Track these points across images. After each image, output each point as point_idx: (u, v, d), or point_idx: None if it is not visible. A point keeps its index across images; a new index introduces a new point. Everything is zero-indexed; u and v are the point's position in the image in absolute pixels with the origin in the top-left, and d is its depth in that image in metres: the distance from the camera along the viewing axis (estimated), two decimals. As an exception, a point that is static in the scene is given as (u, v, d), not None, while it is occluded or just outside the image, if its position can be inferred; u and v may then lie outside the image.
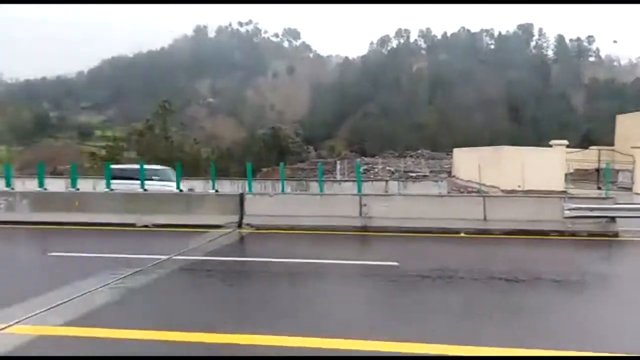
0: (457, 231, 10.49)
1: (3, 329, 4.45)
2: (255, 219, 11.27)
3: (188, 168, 29.31)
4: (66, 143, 77.05)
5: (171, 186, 15.52)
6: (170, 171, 17.93)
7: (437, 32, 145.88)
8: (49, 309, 5.05)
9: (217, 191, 14.57)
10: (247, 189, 14.38)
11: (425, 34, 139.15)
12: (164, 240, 9.93)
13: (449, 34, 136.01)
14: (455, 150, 36.86)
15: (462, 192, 23.24)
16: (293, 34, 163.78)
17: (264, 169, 40.55)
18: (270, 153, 53.05)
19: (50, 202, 12.14)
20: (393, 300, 5.86)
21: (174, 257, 7.83)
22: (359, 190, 13.20)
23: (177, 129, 42.44)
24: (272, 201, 11.76)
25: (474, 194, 19.37)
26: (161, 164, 20.64)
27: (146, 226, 11.21)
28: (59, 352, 4.09)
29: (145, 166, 15.47)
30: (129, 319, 4.92)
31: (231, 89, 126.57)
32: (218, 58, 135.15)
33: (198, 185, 20.91)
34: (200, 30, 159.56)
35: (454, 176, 33.98)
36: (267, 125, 70.39)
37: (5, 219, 11.72)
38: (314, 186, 15.18)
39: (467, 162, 31.40)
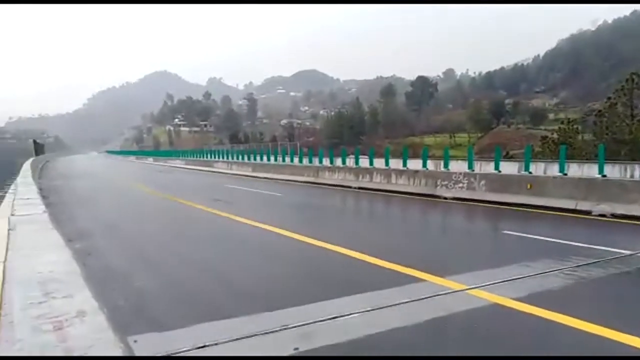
0: None
1: (465, 290, 5.03)
2: None
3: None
4: (518, 128, 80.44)
5: None
6: None
7: None
8: (503, 281, 5.31)
9: None
10: None
11: None
12: (627, 234, 8.57)
13: None
14: None
15: None
16: None
17: None
18: None
19: (504, 183, 12.90)
20: None
21: (640, 255, 6.60)
22: None
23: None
24: None
25: None
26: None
27: (603, 215, 10.04)
28: (511, 322, 4.22)
29: None
30: (577, 308, 4.47)
31: None
32: None
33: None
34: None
35: None
36: None
37: (466, 196, 13.42)
38: None
39: None
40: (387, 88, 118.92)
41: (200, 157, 42.43)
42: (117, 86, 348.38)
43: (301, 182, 21.04)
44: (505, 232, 8.92)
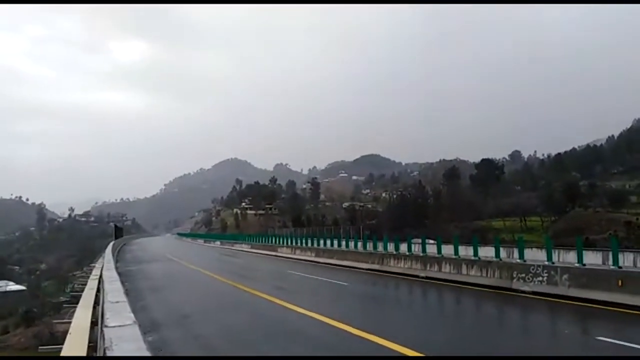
0: None
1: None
2: None
3: None
4: (596, 211, 75.11)
5: None
6: None
7: None
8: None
9: None
10: None
11: None
12: None
13: None
14: None
15: None
16: None
17: None
18: None
19: (590, 279, 11.78)
20: None
21: None
22: None
23: None
24: None
25: None
26: None
27: None
28: None
29: None
30: None
31: None
32: None
33: None
34: None
35: None
36: None
37: (546, 291, 12.32)
38: None
39: None
40: (451, 171, 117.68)
41: (264, 241, 43.17)
42: (191, 173, 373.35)
43: (365, 269, 20.51)
44: (599, 338, 7.96)
